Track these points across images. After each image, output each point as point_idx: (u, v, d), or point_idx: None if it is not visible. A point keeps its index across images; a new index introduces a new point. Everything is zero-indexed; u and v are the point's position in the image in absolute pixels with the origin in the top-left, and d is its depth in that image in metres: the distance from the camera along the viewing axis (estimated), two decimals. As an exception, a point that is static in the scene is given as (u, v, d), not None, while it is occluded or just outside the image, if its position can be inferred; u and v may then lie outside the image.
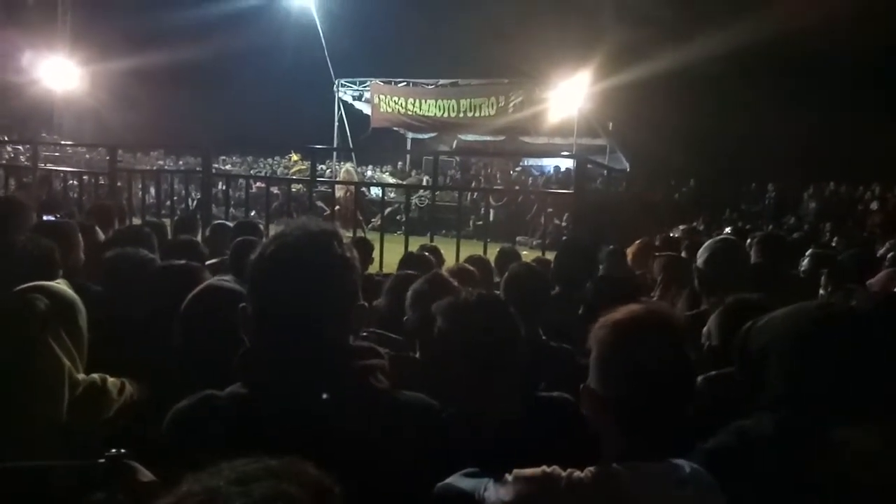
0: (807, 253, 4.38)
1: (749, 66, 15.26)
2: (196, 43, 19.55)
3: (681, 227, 8.18)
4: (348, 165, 16.32)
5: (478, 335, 1.58)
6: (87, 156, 17.87)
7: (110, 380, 1.69)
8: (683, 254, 4.54)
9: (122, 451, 1.26)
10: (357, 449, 1.10)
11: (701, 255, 3.06)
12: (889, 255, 4.38)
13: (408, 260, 3.68)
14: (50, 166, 10.16)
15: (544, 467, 1.24)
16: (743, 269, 3.18)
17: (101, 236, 3.67)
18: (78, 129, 21.15)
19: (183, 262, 2.35)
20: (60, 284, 1.74)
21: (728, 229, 8.19)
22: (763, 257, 3.82)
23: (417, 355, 2.21)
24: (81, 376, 1.63)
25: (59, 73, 20.94)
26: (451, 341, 1.63)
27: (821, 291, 3.62)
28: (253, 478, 0.67)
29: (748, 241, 4.57)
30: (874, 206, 13.02)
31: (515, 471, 1.26)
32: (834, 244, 8.50)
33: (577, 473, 1.23)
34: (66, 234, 2.85)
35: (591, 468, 1.24)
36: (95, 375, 1.67)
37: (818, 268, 3.94)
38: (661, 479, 1.23)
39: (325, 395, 1.16)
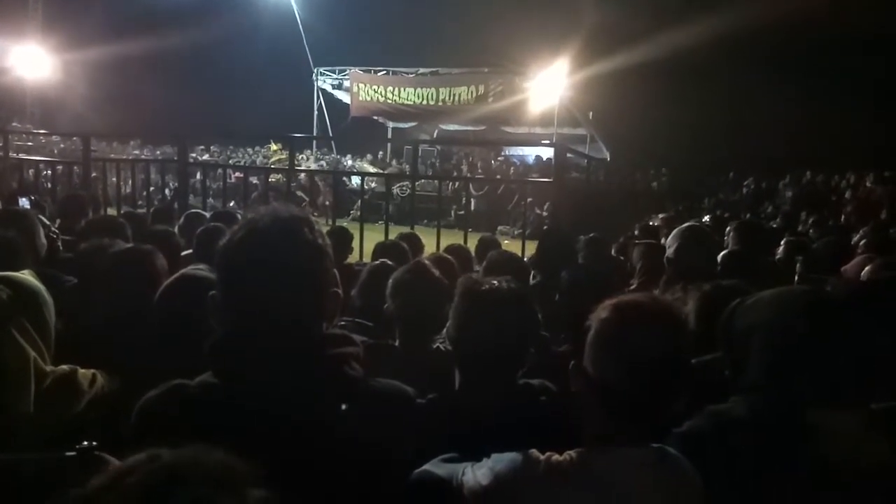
0: (782, 241, 4.43)
1: (729, 57, 15.38)
2: (173, 30, 19.25)
3: (660, 215, 8.25)
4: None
5: (501, 327, 1.58)
6: (62, 145, 17.56)
7: (81, 371, 1.65)
8: (662, 241, 4.58)
9: (93, 443, 1.24)
10: (330, 437, 1.09)
11: (670, 246, 3.06)
12: (862, 243, 4.45)
13: (381, 249, 3.64)
14: (22, 156, 9.95)
15: (523, 451, 1.24)
16: (713, 253, 3.20)
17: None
18: (51, 118, 20.74)
19: (131, 245, 2.31)
20: (25, 274, 1.69)
21: (706, 217, 8.26)
22: (740, 244, 3.86)
23: (397, 343, 2.21)
24: (50, 368, 1.59)
25: (31, 60, 20.49)
26: (468, 327, 1.62)
27: (796, 278, 3.67)
28: (152, 492, 0.63)
29: (727, 228, 4.61)
30: (849, 194, 13.23)
31: (493, 455, 1.26)
32: (810, 232, 8.62)
33: (556, 457, 1.23)
34: (25, 221, 2.78)
35: (570, 452, 1.24)
36: (65, 367, 1.63)
37: (793, 255, 4.00)
38: (639, 463, 1.23)
39: (343, 406, 1.14)
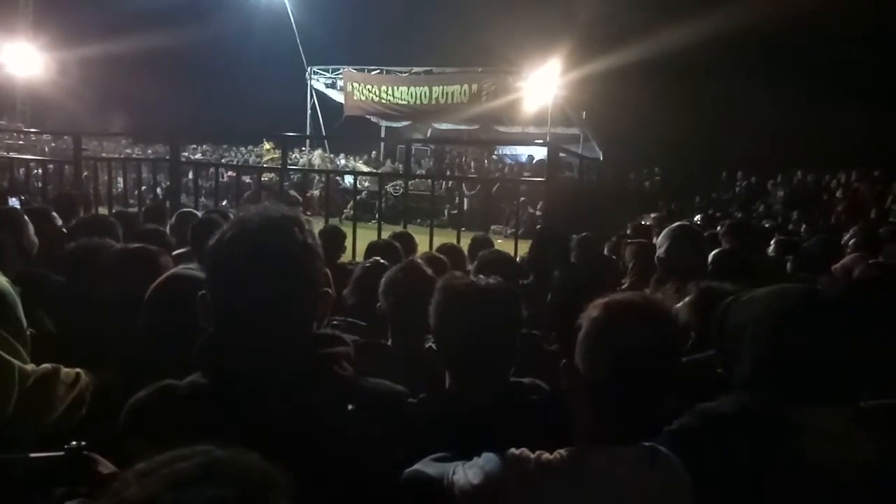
0: (773, 240, 4.46)
1: (720, 56, 15.43)
2: (165, 28, 19.15)
3: (652, 214, 8.28)
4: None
5: (475, 323, 1.57)
6: (53, 144, 17.46)
7: (64, 370, 1.63)
8: (654, 240, 4.59)
9: (82, 443, 1.24)
10: (320, 437, 1.09)
11: (661, 245, 3.08)
12: (852, 242, 4.47)
13: (373, 249, 3.63)
14: (13, 155, 9.88)
15: (513, 450, 1.25)
16: (703, 252, 3.21)
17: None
18: (42, 116, 20.62)
19: (139, 245, 2.29)
20: None
21: (698, 217, 8.30)
22: (734, 243, 3.88)
23: (389, 342, 2.21)
24: (31, 367, 1.57)
25: (21, 58, 20.36)
26: (444, 323, 1.61)
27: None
28: (189, 480, 0.65)
29: (718, 228, 4.64)
30: (839, 194, 13.32)
31: (484, 454, 1.26)
32: (801, 232, 8.68)
33: (547, 455, 1.24)
34: (12, 220, 2.75)
35: (561, 450, 1.25)
36: (48, 366, 1.60)
37: (784, 254, 4.02)
38: (630, 461, 1.24)
39: (350, 407, 1.14)
